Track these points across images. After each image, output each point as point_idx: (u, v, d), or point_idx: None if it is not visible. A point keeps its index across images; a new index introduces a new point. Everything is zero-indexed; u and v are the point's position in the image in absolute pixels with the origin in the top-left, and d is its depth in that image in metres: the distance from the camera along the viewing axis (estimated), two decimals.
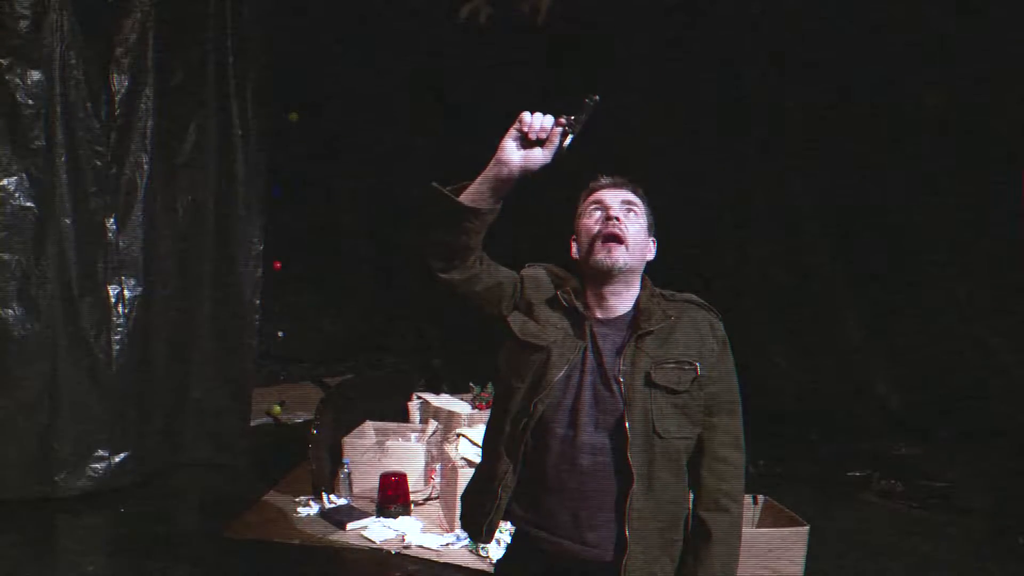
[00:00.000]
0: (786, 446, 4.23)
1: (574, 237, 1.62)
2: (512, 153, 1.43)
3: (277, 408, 4.85)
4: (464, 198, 1.45)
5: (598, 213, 1.57)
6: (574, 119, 1.40)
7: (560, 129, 1.41)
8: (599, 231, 1.54)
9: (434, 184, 1.45)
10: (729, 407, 1.57)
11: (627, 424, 1.47)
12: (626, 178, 1.61)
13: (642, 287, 1.61)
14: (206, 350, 3.80)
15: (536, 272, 1.64)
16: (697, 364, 1.53)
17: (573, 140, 1.41)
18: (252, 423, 4.14)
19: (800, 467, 4.09)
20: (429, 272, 1.48)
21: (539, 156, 1.43)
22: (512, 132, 1.44)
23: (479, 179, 1.46)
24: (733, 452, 1.57)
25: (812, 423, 4.51)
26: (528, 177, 1.44)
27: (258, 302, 3.97)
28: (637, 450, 1.47)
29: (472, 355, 3.31)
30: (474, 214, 1.44)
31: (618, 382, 1.50)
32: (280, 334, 5.67)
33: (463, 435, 3.41)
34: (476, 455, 3.15)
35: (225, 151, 3.82)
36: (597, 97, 1.40)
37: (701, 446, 1.56)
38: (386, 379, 4.83)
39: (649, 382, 1.49)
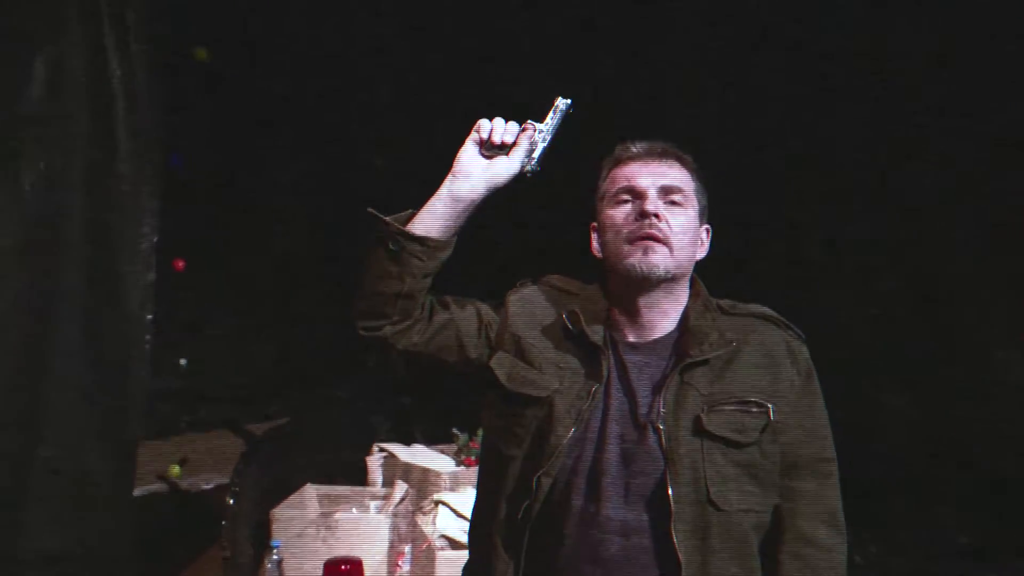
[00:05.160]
0: (908, 525, 4.15)
1: (595, 226, 1.68)
2: (472, 163, 1.61)
3: (175, 469, 4.78)
4: (411, 226, 1.59)
5: (629, 205, 1.63)
6: (545, 124, 1.62)
7: (529, 133, 1.62)
8: (630, 233, 1.60)
9: (371, 210, 1.59)
10: (818, 467, 1.62)
11: (670, 491, 1.50)
12: (667, 143, 1.66)
13: (691, 296, 1.64)
14: (68, 386, 3.67)
15: (527, 294, 1.71)
16: (769, 406, 1.57)
17: (546, 147, 1.62)
18: (138, 492, 4.04)
19: (929, 557, 4.01)
20: (355, 329, 1.62)
21: (504, 164, 1.61)
22: (470, 141, 1.62)
23: (431, 200, 1.61)
24: (827, 531, 1.60)
25: (947, 492, 4.37)
26: (492, 194, 1.61)
27: (150, 317, 3.90)
28: (685, 528, 1.50)
29: (455, 390, 3.26)
30: (422, 246, 1.57)
31: (657, 431, 1.54)
32: (182, 362, 5.56)
33: (443, 503, 3.44)
34: (461, 531, 3.18)
35: (97, 99, 3.72)
36: (569, 101, 1.62)
37: (780, 523, 1.60)
38: (335, 424, 4.85)
39: (700, 430, 1.54)
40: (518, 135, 1.62)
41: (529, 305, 1.71)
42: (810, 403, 1.62)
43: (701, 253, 1.70)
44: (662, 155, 1.65)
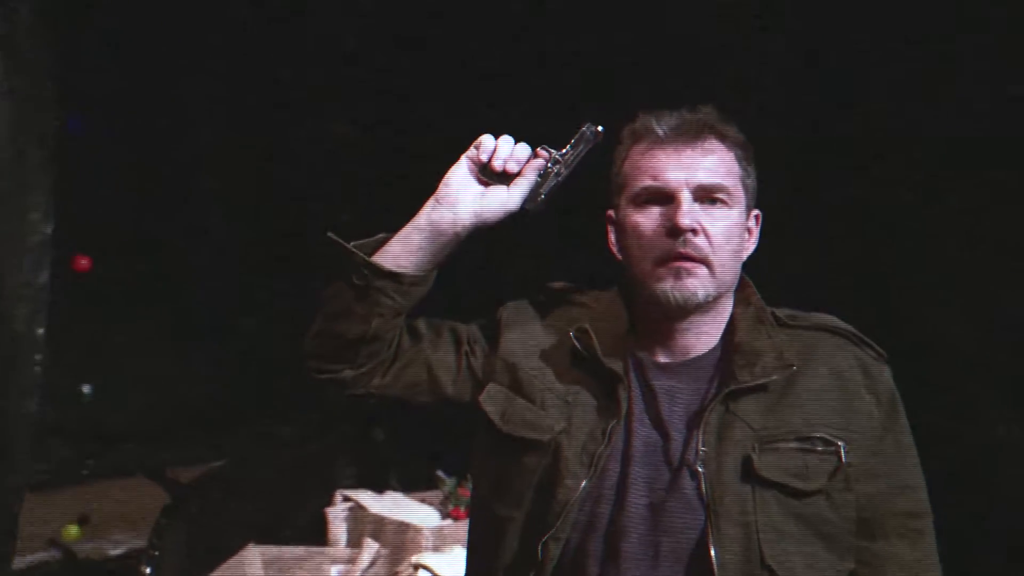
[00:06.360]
0: None
1: (612, 215, 1.71)
2: (463, 191, 1.62)
3: (73, 530, 4.75)
4: (381, 257, 1.61)
5: (656, 209, 1.62)
6: (563, 154, 1.62)
7: (540, 163, 1.62)
8: (660, 253, 1.61)
9: (331, 235, 1.62)
10: (907, 523, 1.61)
11: (713, 551, 1.50)
12: (702, 112, 1.67)
13: (739, 302, 1.68)
14: None
15: (523, 309, 1.76)
16: (840, 443, 1.56)
17: (558, 183, 1.62)
18: (19, 562, 3.99)
19: None
20: (307, 370, 1.68)
21: (500, 196, 1.62)
22: (465, 161, 1.63)
23: (406, 229, 1.64)
24: None
25: None
26: (483, 228, 1.64)
27: (41, 331, 3.86)
28: None
29: (439, 421, 3.22)
30: (393, 282, 1.60)
31: (695, 474, 1.54)
32: (85, 389, 5.48)
33: (424, 567, 3.49)
34: None
35: None
36: (600, 128, 1.62)
37: None
38: (286, 467, 4.88)
39: (751, 474, 1.54)
40: (526, 163, 1.63)
41: (527, 323, 1.73)
42: (895, 440, 1.61)
43: (750, 248, 1.70)
44: (696, 136, 1.62)
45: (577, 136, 1.62)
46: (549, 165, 1.62)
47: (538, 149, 1.63)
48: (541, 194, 1.62)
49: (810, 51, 4.59)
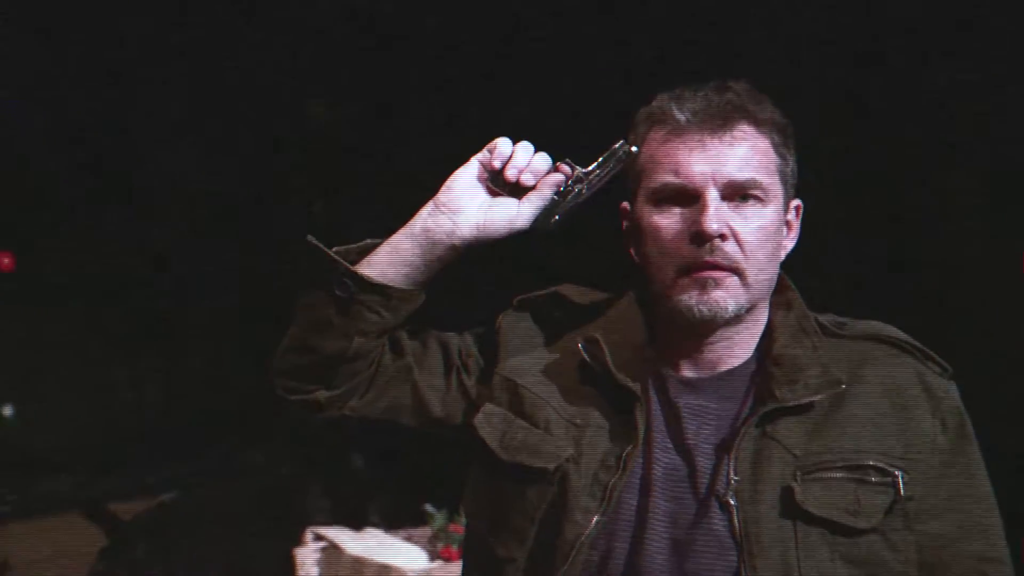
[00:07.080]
0: None
1: (626, 209, 1.70)
2: (466, 197, 1.62)
3: None
4: (367, 267, 1.61)
5: (677, 210, 1.61)
6: (588, 172, 1.60)
7: (559, 179, 1.60)
8: (684, 262, 1.59)
9: (310, 239, 1.63)
10: (978, 568, 1.57)
11: None
12: (731, 91, 1.62)
13: (777, 308, 1.66)
14: None
15: (522, 320, 1.76)
16: (897, 473, 1.54)
17: (577, 204, 1.61)
18: None
19: None
20: (275, 389, 1.68)
21: (510, 209, 1.60)
22: (475, 164, 1.63)
23: (397, 235, 1.64)
24: None
25: None
26: (484, 243, 1.64)
27: None
28: None
29: (427, 446, 3.15)
30: (381, 296, 1.60)
31: (726, 507, 1.52)
32: (6, 411, 5.47)
33: None
34: None
35: None
36: (634, 148, 1.60)
37: None
38: (247, 501, 4.84)
39: (792, 508, 1.52)
40: (543, 177, 1.59)
41: (529, 333, 1.71)
42: (963, 469, 1.57)
43: (788, 245, 1.66)
44: (724, 122, 1.56)
45: (607, 154, 1.59)
46: (570, 183, 1.60)
47: (559, 163, 1.61)
48: (556, 215, 1.60)
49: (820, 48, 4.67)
